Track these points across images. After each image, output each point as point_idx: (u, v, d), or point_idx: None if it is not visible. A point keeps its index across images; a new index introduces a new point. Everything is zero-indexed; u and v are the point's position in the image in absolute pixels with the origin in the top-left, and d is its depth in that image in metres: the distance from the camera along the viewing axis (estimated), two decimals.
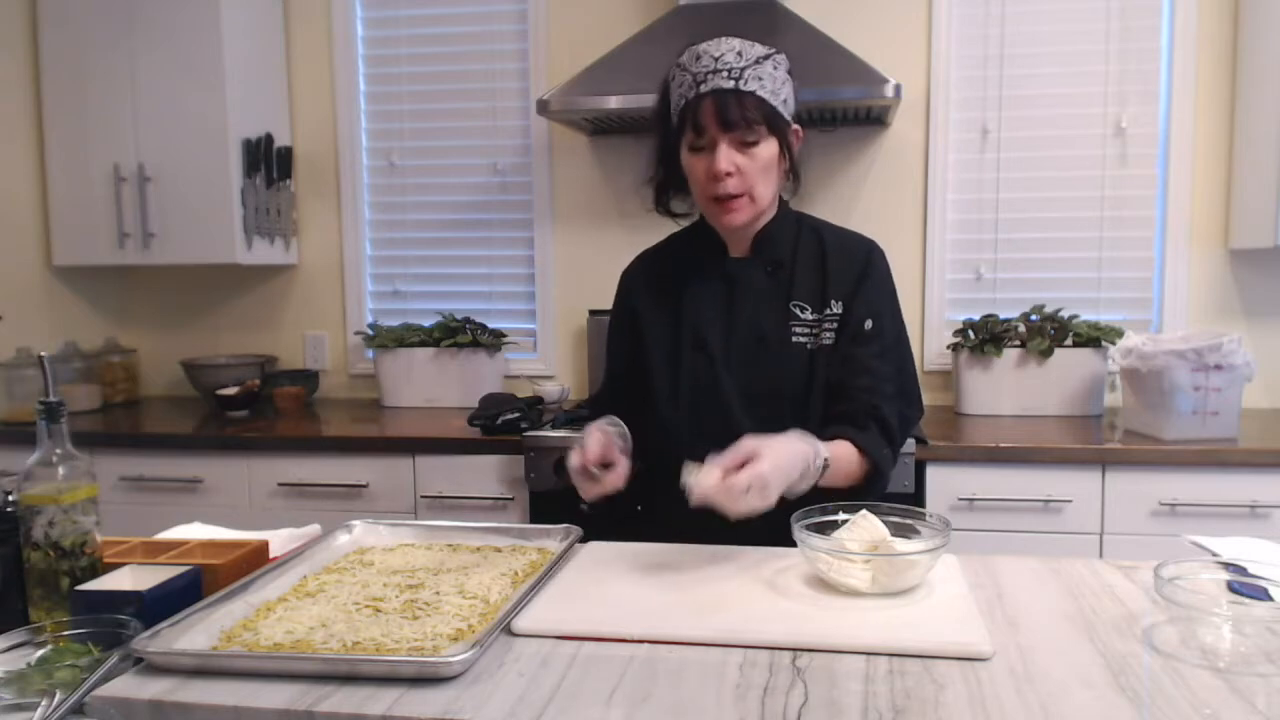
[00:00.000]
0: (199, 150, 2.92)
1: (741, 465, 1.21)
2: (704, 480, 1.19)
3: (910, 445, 2.29)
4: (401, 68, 3.19)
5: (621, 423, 1.49)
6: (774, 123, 1.43)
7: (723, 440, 1.53)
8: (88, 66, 2.94)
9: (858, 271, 1.53)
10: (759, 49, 1.43)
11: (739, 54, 1.42)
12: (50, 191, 3.03)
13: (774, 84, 1.43)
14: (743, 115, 1.41)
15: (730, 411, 1.53)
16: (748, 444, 1.24)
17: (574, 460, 1.37)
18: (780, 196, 1.57)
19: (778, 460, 1.22)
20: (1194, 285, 2.83)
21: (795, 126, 1.50)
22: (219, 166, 2.91)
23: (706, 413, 1.54)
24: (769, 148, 1.45)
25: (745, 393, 1.53)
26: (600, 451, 1.37)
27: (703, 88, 1.42)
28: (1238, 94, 2.75)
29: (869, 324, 1.50)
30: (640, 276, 1.66)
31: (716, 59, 1.41)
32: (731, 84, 1.40)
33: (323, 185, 3.25)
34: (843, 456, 1.41)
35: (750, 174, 1.44)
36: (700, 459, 1.28)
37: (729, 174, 1.43)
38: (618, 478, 1.37)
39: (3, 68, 2.98)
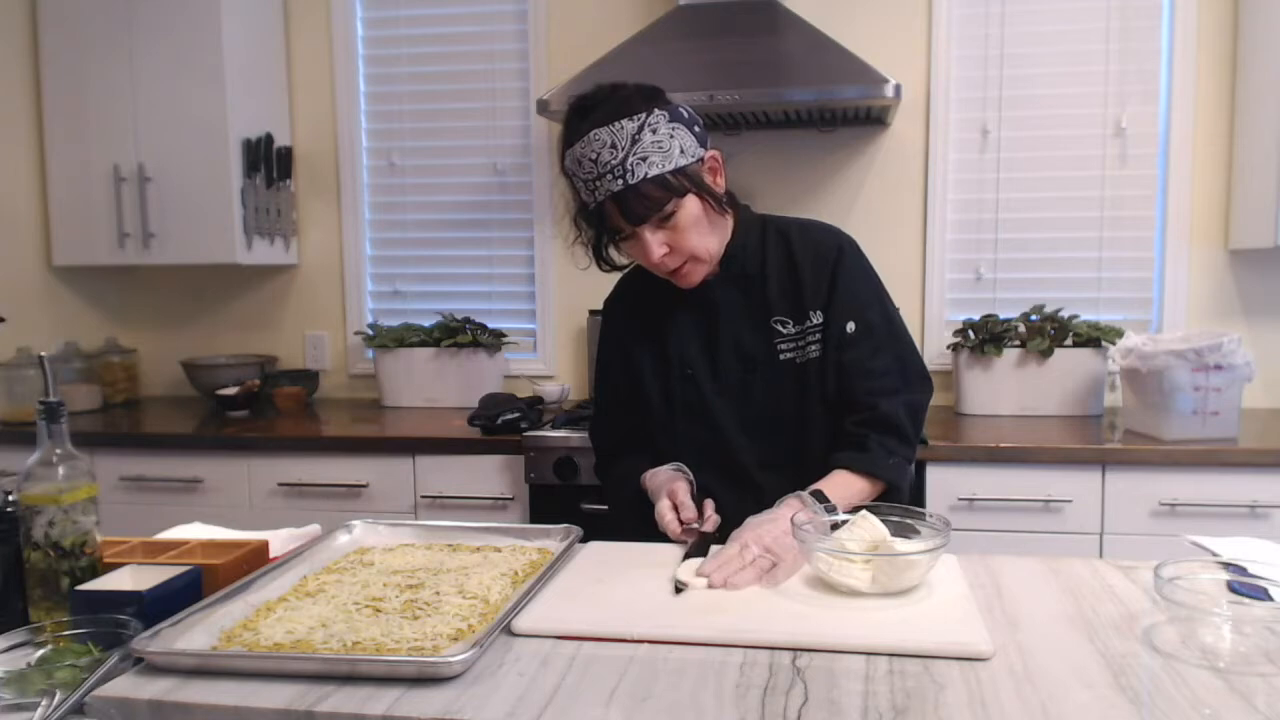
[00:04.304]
0: (199, 150, 2.91)
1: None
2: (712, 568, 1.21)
3: None
4: (401, 68, 3.19)
5: (685, 466, 1.53)
6: (680, 188, 1.38)
7: (723, 466, 1.53)
8: (88, 66, 2.94)
9: (829, 275, 1.49)
10: (628, 126, 1.35)
11: (612, 146, 1.34)
12: (50, 191, 3.03)
13: (661, 150, 1.36)
14: (646, 207, 1.37)
15: (727, 436, 1.52)
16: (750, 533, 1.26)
17: (672, 526, 1.41)
18: (739, 202, 1.54)
19: (778, 538, 1.24)
20: (1194, 285, 2.83)
21: (709, 154, 1.43)
22: (219, 166, 2.91)
23: (705, 440, 1.54)
24: (689, 207, 1.40)
25: (740, 416, 1.52)
26: (693, 513, 1.42)
27: (598, 194, 1.38)
28: (1238, 94, 2.75)
29: (851, 326, 1.48)
30: (622, 310, 1.65)
31: (595, 161, 1.35)
32: (620, 183, 1.35)
33: (323, 185, 3.25)
34: (844, 485, 1.42)
35: (683, 242, 1.41)
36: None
37: (664, 254, 1.42)
38: (712, 522, 1.41)
39: (3, 68, 2.99)
